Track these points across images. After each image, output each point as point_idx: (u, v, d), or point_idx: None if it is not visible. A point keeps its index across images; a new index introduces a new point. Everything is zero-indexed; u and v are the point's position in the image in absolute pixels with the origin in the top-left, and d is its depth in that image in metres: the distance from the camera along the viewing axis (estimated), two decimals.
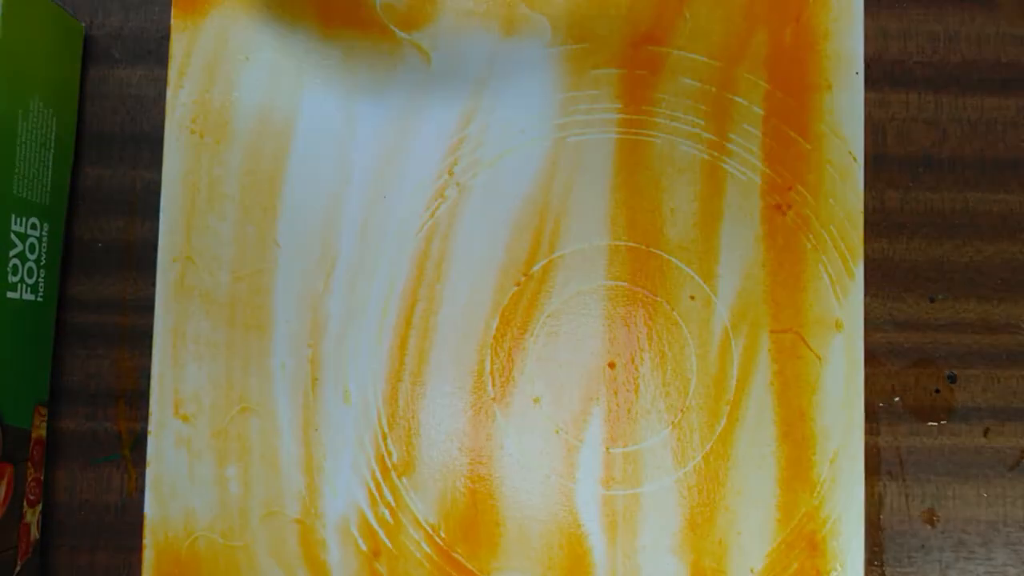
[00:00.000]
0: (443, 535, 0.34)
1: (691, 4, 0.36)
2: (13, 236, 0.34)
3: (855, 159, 0.36)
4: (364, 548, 0.34)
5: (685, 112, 0.36)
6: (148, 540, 0.34)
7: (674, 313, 0.35)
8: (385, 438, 0.35)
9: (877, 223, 0.37)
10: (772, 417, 0.35)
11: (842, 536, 0.34)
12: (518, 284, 0.35)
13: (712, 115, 0.36)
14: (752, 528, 0.34)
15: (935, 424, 0.37)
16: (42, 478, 0.35)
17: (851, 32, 0.36)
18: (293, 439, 0.34)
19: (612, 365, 0.35)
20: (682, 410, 0.35)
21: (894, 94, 0.38)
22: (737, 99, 0.36)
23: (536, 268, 0.35)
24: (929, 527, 0.37)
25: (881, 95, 0.38)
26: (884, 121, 0.38)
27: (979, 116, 0.38)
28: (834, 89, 0.36)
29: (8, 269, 0.33)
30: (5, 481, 0.33)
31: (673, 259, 0.35)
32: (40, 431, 0.35)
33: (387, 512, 0.34)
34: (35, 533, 0.35)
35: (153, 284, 0.35)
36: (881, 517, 0.36)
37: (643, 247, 0.35)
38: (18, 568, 0.34)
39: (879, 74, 0.38)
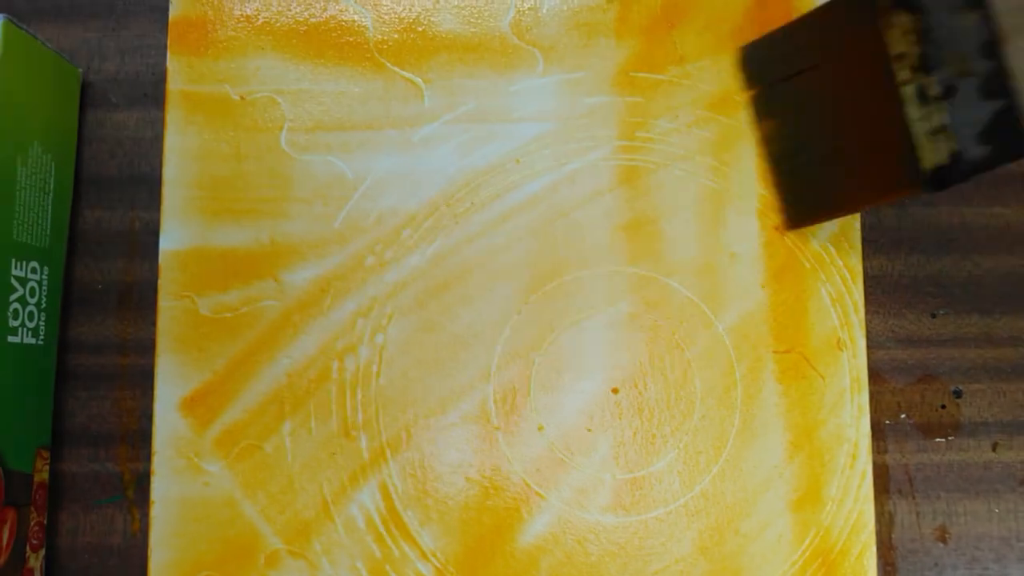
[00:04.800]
0: (452, 568, 0.34)
1: (680, 30, 0.36)
2: (13, 280, 0.34)
3: None
4: None
5: (680, 136, 0.36)
6: None
7: (676, 337, 0.35)
8: (390, 471, 0.34)
9: (875, 240, 0.37)
10: (778, 438, 0.35)
11: (855, 556, 0.34)
12: (519, 313, 0.35)
13: (707, 139, 0.36)
14: (763, 551, 0.34)
15: (943, 440, 0.37)
16: (45, 522, 0.35)
17: None
18: (299, 475, 0.34)
19: (616, 391, 0.35)
20: (688, 434, 0.35)
21: None
22: (731, 122, 0.36)
23: (536, 296, 0.35)
24: (941, 544, 0.36)
25: None
26: None
27: None
28: None
29: (8, 314, 0.33)
30: (8, 526, 0.33)
31: (673, 283, 0.35)
32: (42, 475, 0.35)
33: (393, 545, 0.34)
34: None
35: (153, 324, 0.35)
36: (893, 536, 0.36)
37: (643, 272, 0.35)
38: None
39: None
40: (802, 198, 0.35)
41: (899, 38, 0.29)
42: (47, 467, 0.35)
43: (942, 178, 0.28)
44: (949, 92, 0.28)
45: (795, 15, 0.36)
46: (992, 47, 0.28)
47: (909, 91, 0.29)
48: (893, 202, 0.37)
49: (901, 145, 0.29)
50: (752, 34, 0.36)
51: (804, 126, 0.34)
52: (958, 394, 0.37)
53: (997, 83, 0.28)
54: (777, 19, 0.36)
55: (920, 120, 0.28)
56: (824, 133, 0.33)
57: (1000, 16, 0.28)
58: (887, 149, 0.30)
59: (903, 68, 0.29)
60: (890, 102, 0.29)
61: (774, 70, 0.35)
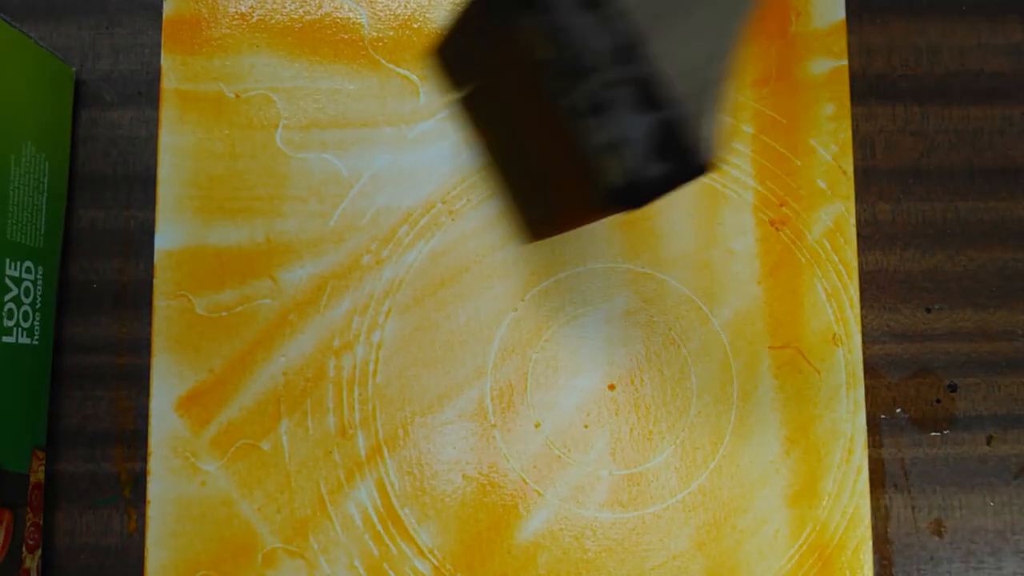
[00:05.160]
0: (449, 565, 0.34)
1: None
2: (8, 280, 0.34)
3: (845, 173, 0.36)
4: None
5: None
6: None
7: (672, 333, 0.35)
8: (387, 469, 0.34)
9: (870, 236, 0.38)
10: (775, 433, 0.35)
11: (851, 551, 0.34)
12: (515, 309, 0.35)
13: None
14: (760, 546, 0.34)
15: (938, 434, 0.37)
16: (41, 523, 0.35)
17: (836, 47, 0.36)
18: (296, 474, 0.34)
19: (612, 387, 0.35)
20: (684, 429, 0.35)
21: (880, 107, 0.38)
22: (726, 118, 0.36)
23: (532, 293, 0.35)
24: (937, 538, 0.36)
25: (868, 109, 0.38)
26: (872, 134, 0.38)
27: (965, 126, 0.38)
28: (822, 104, 0.36)
29: (3, 313, 0.33)
30: (4, 527, 0.33)
31: (669, 279, 0.35)
32: (38, 475, 0.35)
33: (391, 543, 0.34)
34: None
35: (148, 323, 0.34)
36: (889, 530, 0.36)
37: (639, 268, 0.35)
38: None
39: (865, 88, 0.38)
40: (524, 212, 0.31)
41: (537, 42, 0.24)
42: (43, 467, 0.35)
43: (623, 198, 0.24)
44: (600, 105, 0.24)
45: (791, 11, 0.36)
46: (629, 52, 0.24)
47: (567, 103, 0.24)
48: (600, 218, 0.29)
49: (579, 163, 0.25)
50: (749, 30, 0.36)
51: (500, 139, 0.30)
52: (953, 388, 0.37)
53: (644, 93, 0.24)
54: (772, 14, 0.36)
55: (586, 135, 0.24)
56: (517, 148, 0.30)
57: (633, 14, 0.24)
58: (570, 167, 0.26)
59: (551, 78, 0.24)
60: (559, 115, 0.25)
61: (464, 76, 0.30)
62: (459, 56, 0.30)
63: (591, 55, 0.24)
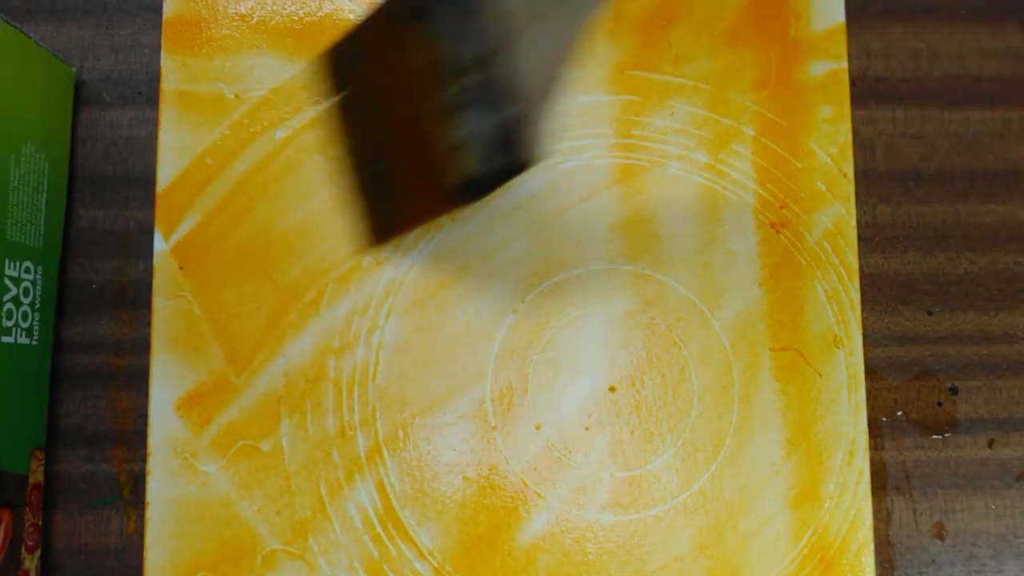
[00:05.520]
0: (449, 567, 0.34)
1: (675, 30, 0.36)
2: (7, 280, 0.34)
3: (845, 175, 0.36)
4: None
5: (675, 135, 0.36)
6: None
7: (673, 334, 0.35)
8: (387, 470, 0.34)
9: (870, 238, 0.38)
10: (776, 435, 0.35)
11: (852, 553, 0.34)
12: (515, 311, 0.35)
13: (702, 137, 0.36)
14: (762, 548, 0.34)
15: (939, 437, 0.37)
16: (40, 523, 0.35)
17: (835, 50, 0.36)
18: (296, 475, 0.34)
19: (613, 389, 0.35)
20: (685, 431, 0.35)
21: (880, 110, 0.38)
22: (726, 121, 0.36)
23: (533, 295, 0.35)
24: (939, 541, 0.36)
25: (868, 112, 0.38)
26: (872, 137, 0.38)
27: (965, 129, 0.38)
28: (821, 107, 0.36)
29: (3, 313, 0.33)
30: (3, 527, 0.33)
31: (670, 281, 0.35)
32: (37, 476, 0.35)
33: (391, 544, 0.34)
34: None
35: (148, 324, 0.34)
36: (890, 533, 0.36)
37: (640, 270, 0.35)
38: None
39: (865, 91, 0.38)
40: (373, 214, 0.34)
41: (419, 48, 0.28)
42: (42, 468, 0.35)
43: (470, 191, 0.28)
44: (461, 105, 0.27)
45: (791, 15, 0.37)
46: (493, 54, 0.27)
47: (433, 104, 0.28)
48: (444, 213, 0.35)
49: (433, 160, 0.28)
50: (749, 34, 0.36)
51: (362, 143, 0.33)
52: (954, 391, 0.37)
53: (497, 92, 0.27)
54: (772, 18, 0.36)
55: (446, 133, 0.28)
56: (374, 152, 0.33)
57: (498, 23, 0.26)
58: (424, 164, 0.29)
59: (426, 80, 0.28)
60: (425, 116, 0.28)
61: (343, 80, 0.34)
62: (345, 61, 0.33)
63: (463, 58, 0.27)
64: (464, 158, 0.27)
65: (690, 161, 0.36)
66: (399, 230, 0.34)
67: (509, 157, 0.27)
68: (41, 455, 0.35)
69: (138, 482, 0.36)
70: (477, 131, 0.27)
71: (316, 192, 0.35)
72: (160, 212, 0.35)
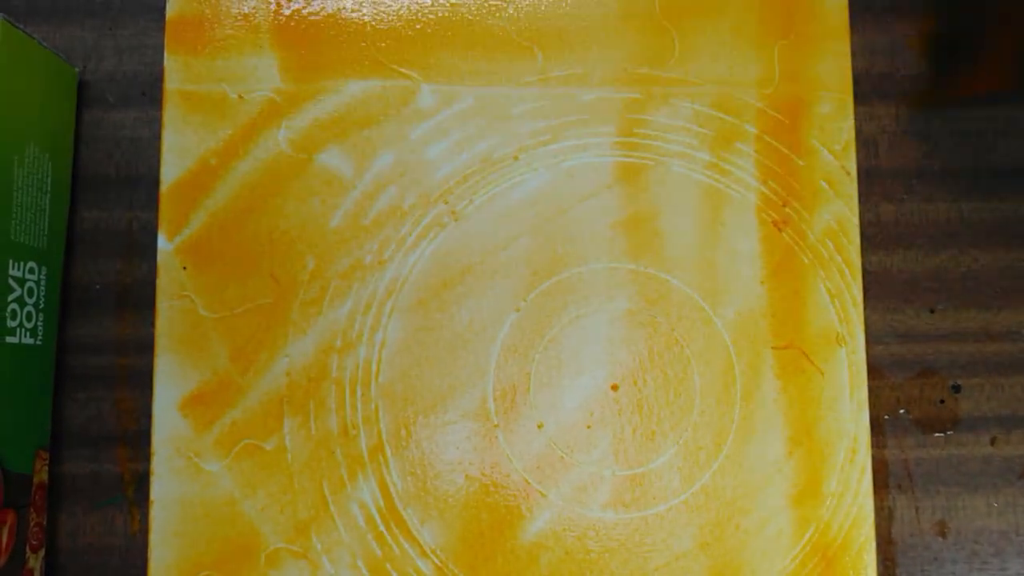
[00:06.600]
0: (452, 565, 0.34)
1: (679, 27, 0.36)
2: (11, 281, 0.34)
3: (848, 173, 0.36)
4: None
5: (678, 133, 0.36)
6: None
7: (675, 333, 0.35)
8: (390, 469, 0.34)
9: (873, 236, 0.38)
10: (778, 434, 0.35)
11: (854, 551, 0.34)
12: (518, 310, 0.35)
13: (705, 135, 0.36)
14: (764, 546, 0.34)
15: (941, 435, 0.37)
16: (44, 523, 0.35)
17: (839, 49, 0.36)
18: (299, 474, 0.34)
19: (615, 387, 0.35)
20: (687, 430, 0.35)
21: (883, 108, 0.38)
22: (729, 118, 0.36)
23: (535, 294, 0.35)
24: (941, 539, 0.36)
25: (871, 109, 0.38)
26: (875, 135, 0.38)
27: (969, 127, 0.38)
28: (824, 105, 0.36)
29: (7, 314, 0.33)
30: (8, 527, 0.33)
31: (672, 279, 0.35)
32: (42, 476, 0.35)
33: (394, 543, 0.34)
34: None
35: (152, 324, 0.34)
36: (892, 531, 0.36)
37: (642, 269, 0.35)
38: None
39: (868, 89, 0.38)
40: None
41: None
42: (46, 468, 0.35)
43: None
44: None
45: (794, 12, 0.36)
46: None
47: None
48: None
49: None
50: (752, 32, 0.36)
51: None
52: (957, 389, 0.37)
53: None
54: (775, 15, 0.36)
55: None
56: None
57: None
58: None
59: None
60: None
61: None
62: None
63: None
64: None
65: (692, 159, 0.36)
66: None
67: None
68: (45, 455, 0.35)
69: (142, 482, 0.36)
70: None
71: (319, 192, 0.35)
72: (163, 212, 0.35)
